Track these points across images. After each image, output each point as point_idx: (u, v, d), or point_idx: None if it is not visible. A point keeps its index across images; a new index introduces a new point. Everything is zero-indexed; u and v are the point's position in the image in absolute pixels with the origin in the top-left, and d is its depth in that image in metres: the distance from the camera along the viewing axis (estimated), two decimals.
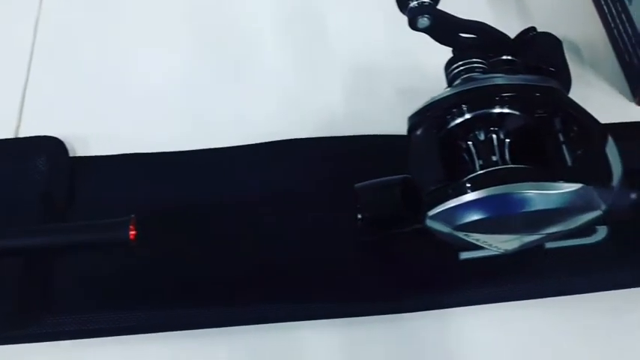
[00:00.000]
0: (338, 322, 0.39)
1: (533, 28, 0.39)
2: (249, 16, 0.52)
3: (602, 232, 0.40)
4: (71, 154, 0.45)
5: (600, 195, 0.33)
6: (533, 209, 0.32)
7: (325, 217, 0.40)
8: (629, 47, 0.47)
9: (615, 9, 0.48)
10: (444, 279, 0.40)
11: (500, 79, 0.36)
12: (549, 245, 0.40)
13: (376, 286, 0.39)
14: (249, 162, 0.44)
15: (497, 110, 0.35)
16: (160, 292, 0.39)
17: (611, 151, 0.35)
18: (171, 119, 0.47)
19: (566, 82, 0.43)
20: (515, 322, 0.39)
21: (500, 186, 0.32)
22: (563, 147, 0.35)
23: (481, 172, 0.33)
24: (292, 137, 0.45)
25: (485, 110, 0.35)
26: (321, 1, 0.52)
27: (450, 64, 0.38)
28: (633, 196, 0.37)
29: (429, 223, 0.34)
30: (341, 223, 0.39)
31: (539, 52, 0.44)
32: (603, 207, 0.34)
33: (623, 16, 0.47)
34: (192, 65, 0.49)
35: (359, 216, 0.36)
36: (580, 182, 0.32)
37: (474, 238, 0.34)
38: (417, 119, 0.36)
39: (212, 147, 0.44)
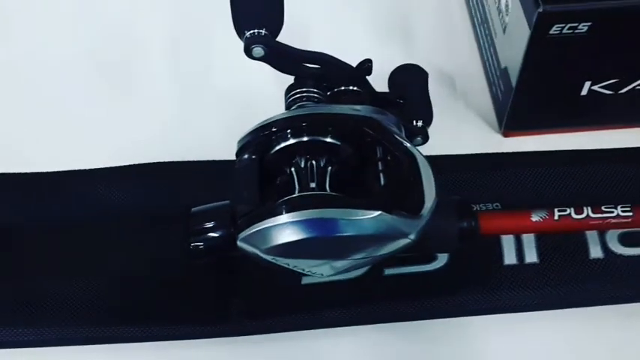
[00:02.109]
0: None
1: (368, 60, 0.40)
2: (137, 37, 0.54)
3: (442, 260, 0.41)
4: None
5: (406, 224, 0.34)
6: (335, 235, 0.33)
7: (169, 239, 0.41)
8: (496, 80, 0.48)
9: (487, 42, 0.49)
10: (289, 302, 0.40)
11: (324, 108, 0.38)
12: (388, 272, 0.41)
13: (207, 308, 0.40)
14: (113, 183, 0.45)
15: (317, 138, 0.36)
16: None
17: (428, 182, 0.36)
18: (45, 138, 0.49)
19: (424, 113, 0.45)
20: (364, 345, 0.40)
21: (304, 211, 0.33)
22: (378, 176, 0.36)
23: (287, 197, 0.34)
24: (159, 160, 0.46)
25: (304, 137, 0.36)
26: (210, 29, 0.53)
27: (288, 90, 0.40)
28: (461, 225, 0.38)
29: (241, 245, 0.35)
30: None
31: (401, 82, 0.46)
32: (412, 235, 0.35)
33: (491, 49, 0.48)
34: (68, 84, 0.51)
35: (189, 240, 0.38)
36: (380, 210, 0.33)
37: (284, 262, 0.35)
38: (243, 143, 0.37)
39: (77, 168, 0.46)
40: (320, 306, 0.40)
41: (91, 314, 0.40)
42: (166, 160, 0.46)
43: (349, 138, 0.37)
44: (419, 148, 0.45)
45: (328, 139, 0.36)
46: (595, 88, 0.44)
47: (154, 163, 0.46)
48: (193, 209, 0.39)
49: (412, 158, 0.36)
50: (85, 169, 0.46)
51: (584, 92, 0.44)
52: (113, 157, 0.47)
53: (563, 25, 0.39)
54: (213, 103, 0.50)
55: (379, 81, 0.47)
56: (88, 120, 0.50)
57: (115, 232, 0.43)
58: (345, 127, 0.37)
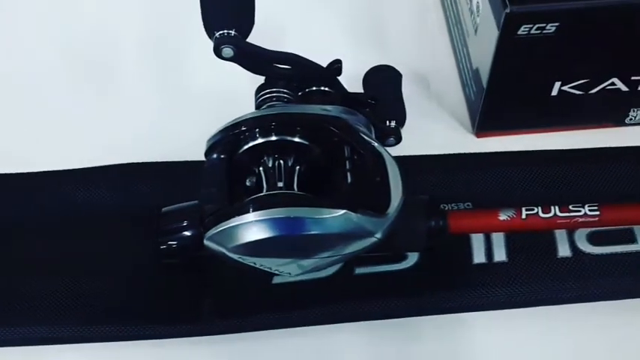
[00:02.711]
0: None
1: (338, 61, 0.40)
2: (115, 38, 0.54)
3: (412, 259, 0.41)
4: None
5: (372, 222, 0.35)
6: (300, 233, 0.34)
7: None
8: (469, 81, 0.48)
9: (460, 43, 0.50)
10: (260, 302, 0.41)
11: (292, 108, 0.38)
12: (359, 271, 0.41)
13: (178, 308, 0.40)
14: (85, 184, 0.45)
15: (285, 138, 0.36)
16: None
17: (395, 181, 0.36)
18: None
19: (397, 113, 0.45)
20: (329, 346, 0.40)
21: (270, 210, 0.34)
22: (346, 175, 0.36)
23: (254, 196, 0.35)
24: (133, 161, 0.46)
25: (273, 137, 0.36)
26: (188, 29, 0.51)
27: (258, 90, 0.40)
28: (430, 224, 0.39)
29: (207, 244, 0.35)
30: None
31: (375, 83, 0.46)
32: (378, 234, 0.35)
33: (464, 50, 0.49)
34: (47, 86, 0.51)
35: (159, 240, 0.38)
36: (345, 209, 0.34)
37: (251, 261, 0.35)
38: (212, 142, 0.37)
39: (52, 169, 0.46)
40: (290, 305, 0.40)
41: (63, 314, 0.40)
42: (143, 161, 0.46)
43: (317, 138, 0.37)
44: (393, 148, 0.46)
45: (296, 139, 0.37)
46: (565, 88, 0.44)
47: (130, 163, 0.46)
48: (164, 209, 0.39)
49: (379, 157, 0.37)
50: (63, 170, 0.46)
51: (554, 93, 0.45)
52: (91, 157, 0.47)
53: (530, 25, 0.39)
54: (191, 104, 0.50)
55: (354, 82, 0.47)
56: (66, 121, 0.50)
57: (92, 232, 0.43)
58: (313, 127, 0.37)
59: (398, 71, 0.48)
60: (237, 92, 0.44)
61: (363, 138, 0.37)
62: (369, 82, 0.47)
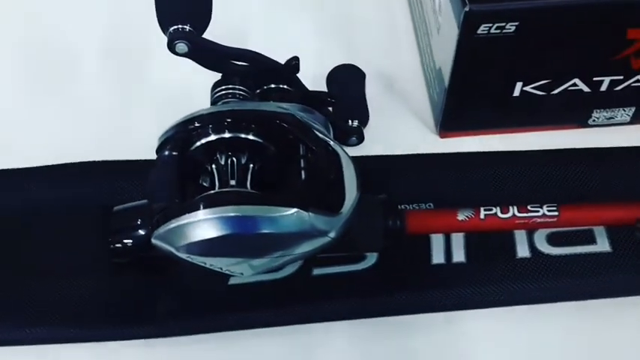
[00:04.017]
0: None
1: (295, 58, 0.40)
2: (69, 34, 0.53)
3: (371, 259, 0.41)
4: None
5: (324, 221, 0.34)
6: (251, 232, 0.33)
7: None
8: (432, 81, 0.48)
9: (424, 43, 0.49)
10: (215, 303, 0.40)
11: (247, 105, 0.37)
12: (317, 272, 0.41)
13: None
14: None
15: (238, 135, 0.36)
16: None
17: (350, 179, 0.36)
18: None
19: (360, 113, 0.45)
20: (292, 345, 0.39)
21: (219, 207, 0.33)
22: (300, 174, 0.35)
23: (204, 194, 0.34)
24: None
25: (226, 134, 0.36)
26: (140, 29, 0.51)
27: (214, 87, 0.39)
28: (387, 224, 0.38)
29: (156, 243, 0.34)
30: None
31: (338, 82, 0.46)
32: (332, 234, 0.35)
33: (428, 49, 0.48)
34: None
35: (110, 239, 0.37)
36: (296, 207, 0.33)
37: (200, 260, 0.34)
38: (164, 138, 0.37)
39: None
40: (247, 306, 0.40)
41: (10, 314, 0.39)
42: (96, 159, 0.45)
43: (271, 135, 0.36)
44: (355, 148, 0.46)
45: (250, 137, 0.36)
46: (527, 89, 0.44)
47: (81, 162, 0.45)
48: (115, 208, 0.38)
49: (334, 156, 0.36)
50: (12, 169, 0.45)
51: (516, 93, 0.44)
52: (40, 156, 0.46)
53: (490, 24, 0.39)
54: (145, 101, 0.49)
55: (320, 81, 0.47)
56: (16, 119, 0.49)
57: (42, 231, 0.42)
58: (267, 124, 0.36)
59: (361, 70, 0.48)
60: (193, 89, 0.43)
61: (317, 135, 0.36)
62: (333, 80, 0.47)
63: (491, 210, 0.39)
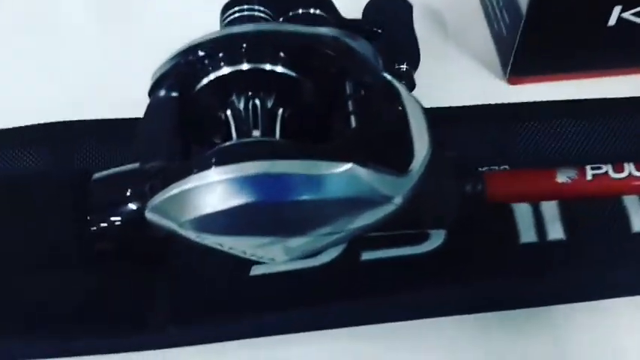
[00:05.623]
0: None
1: None
2: None
3: (437, 239, 0.31)
4: None
5: (388, 182, 0.24)
6: (288, 199, 0.23)
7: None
8: (498, 12, 0.38)
9: None
10: (231, 301, 0.30)
11: (272, 25, 0.27)
12: (366, 256, 0.31)
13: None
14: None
15: (261, 66, 0.25)
16: None
17: (418, 127, 0.26)
18: None
19: (409, 53, 0.35)
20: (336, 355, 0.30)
21: (242, 164, 0.23)
22: (349, 120, 0.25)
23: (219, 147, 0.24)
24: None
25: (243, 65, 0.25)
26: None
27: (224, 9, 0.29)
28: (463, 190, 0.29)
29: (151, 217, 0.24)
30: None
31: (379, 18, 0.36)
32: (397, 199, 0.25)
33: None
34: None
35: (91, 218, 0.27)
36: (350, 162, 0.23)
37: (214, 241, 0.24)
38: (159, 74, 0.26)
39: None
40: (274, 305, 0.30)
41: None
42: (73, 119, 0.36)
43: (308, 67, 0.26)
44: None
45: (278, 68, 0.26)
46: (626, 15, 0.34)
47: (55, 122, 0.35)
48: (96, 175, 0.28)
49: (396, 95, 0.27)
50: None
51: (611, 22, 0.35)
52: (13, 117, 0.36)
53: None
54: (134, 53, 0.40)
55: (353, 15, 0.38)
56: None
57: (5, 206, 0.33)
58: (303, 52, 0.26)
59: (408, 2, 0.38)
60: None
61: (374, 67, 0.26)
62: (372, 16, 0.37)
63: (600, 169, 0.30)
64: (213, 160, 0.23)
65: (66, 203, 0.28)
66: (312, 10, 0.31)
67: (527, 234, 0.31)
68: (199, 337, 0.30)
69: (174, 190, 0.24)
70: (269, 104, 0.26)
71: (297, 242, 0.25)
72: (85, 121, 0.36)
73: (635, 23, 0.35)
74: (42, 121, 0.37)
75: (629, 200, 0.32)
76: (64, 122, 0.36)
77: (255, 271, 0.31)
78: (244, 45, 0.26)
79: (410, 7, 0.37)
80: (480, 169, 0.32)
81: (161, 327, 0.29)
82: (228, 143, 0.24)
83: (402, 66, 0.35)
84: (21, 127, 0.36)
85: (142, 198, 0.25)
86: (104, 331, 0.29)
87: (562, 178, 0.29)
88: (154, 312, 0.29)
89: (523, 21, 0.34)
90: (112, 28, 0.42)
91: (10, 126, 0.37)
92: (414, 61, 0.36)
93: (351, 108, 0.26)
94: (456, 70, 0.39)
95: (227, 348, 0.30)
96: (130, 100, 0.33)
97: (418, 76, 0.37)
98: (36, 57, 0.41)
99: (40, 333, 0.29)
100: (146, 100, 0.29)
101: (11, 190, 0.30)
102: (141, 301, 0.30)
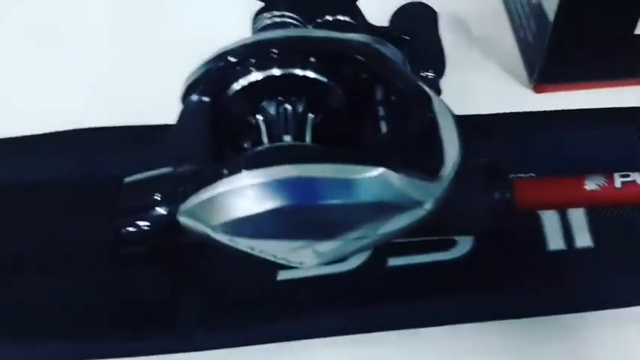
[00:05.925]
0: None
1: None
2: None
3: (464, 245, 0.31)
4: None
5: (419, 187, 0.24)
6: (319, 203, 0.23)
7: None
8: (524, 19, 0.38)
9: None
10: (258, 305, 0.30)
11: (303, 31, 0.27)
12: (393, 262, 0.31)
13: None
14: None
15: (292, 72, 0.25)
16: None
17: (448, 132, 0.26)
18: None
19: (435, 61, 0.35)
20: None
21: (273, 168, 0.23)
22: (378, 125, 0.25)
23: (251, 151, 0.24)
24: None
25: (275, 71, 0.25)
26: None
27: (256, 15, 0.29)
28: (493, 196, 0.29)
29: (183, 221, 0.24)
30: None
31: (405, 26, 0.36)
32: (428, 205, 0.25)
33: None
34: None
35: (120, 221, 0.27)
36: (382, 166, 0.23)
37: (246, 244, 0.24)
38: (191, 80, 0.26)
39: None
40: (302, 310, 0.30)
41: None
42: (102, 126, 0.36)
43: (339, 73, 0.26)
44: None
45: (309, 74, 0.26)
46: None
47: (85, 129, 0.35)
48: (127, 179, 0.28)
49: (426, 100, 0.27)
50: (7, 138, 0.36)
51: (639, 30, 0.35)
52: (39, 123, 0.36)
53: None
54: (161, 57, 0.40)
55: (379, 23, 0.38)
56: (11, 81, 0.39)
57: (33, 212, 0.32)
58: (334, 58, 0.26)
59: (433, 9, 0.38)
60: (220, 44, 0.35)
61: (405, 73, 0.26)
62: (398, 24, 0.37)
63: (628, 176, 0.29)
64: (245, 164, 0.23)
65: (97, 207, 0.29)
66: (340, 17, 0.31)
67: (555, 241, 0.31)
68: (227, 341, 0.30)
69: (207, 194, 0.24)
70: (300, 109, 0.26)
71: (327, 247, 0.25)
72: (111, 127, 0.36)
73: None
74: (69, 128, 0.37)
75: None
76: (91, 129, 0.36)
77: (282, 276, 0.31)
78: (276, 50, 0.26)
79: (436, 15, 0.37)
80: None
81: (189, 331, 0.29)
82: (260, 147, 0.24)
83: (427, 73, 0.35)
84: (50, 134, 0.36)
85: (174, 202, 0.26)
86: (133, 335, 0.29)
87: (591, 185, 0.29)
88: (182, 316, 0.30)
89: (550, 28, 0.35)
90: (139, 34, 0.42)
91: (38, 132, 0.37)
92: (440, 68, 0.36)
93: (381, 113, 0.26)
94: (481, 77, 0.39)
95: (253, 352, 0.30)
96: (152, 108, 0.34)
97: (444, 83, 0.38)
98: (63, 65, 0.41)
99: (69, 336, 0.29)
100: (168, 107, 0.29)
101: (43, 194, 0.31)
102: (169, 305, 0.30)
